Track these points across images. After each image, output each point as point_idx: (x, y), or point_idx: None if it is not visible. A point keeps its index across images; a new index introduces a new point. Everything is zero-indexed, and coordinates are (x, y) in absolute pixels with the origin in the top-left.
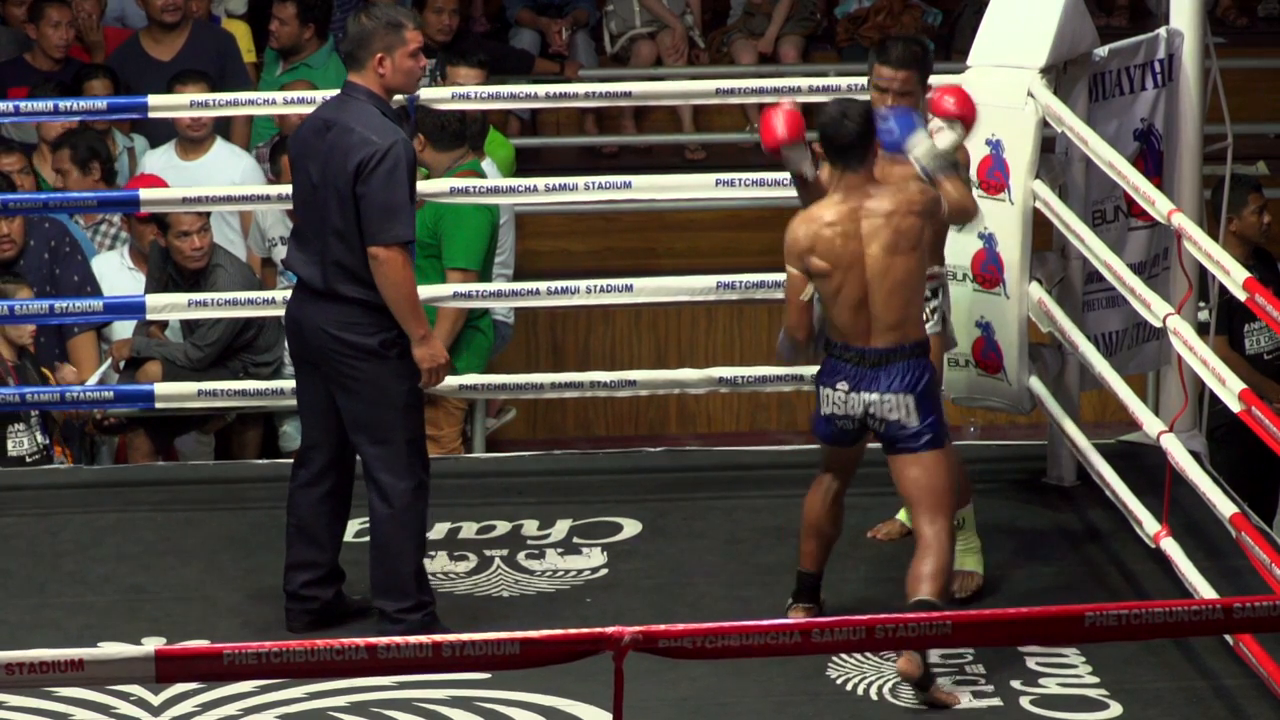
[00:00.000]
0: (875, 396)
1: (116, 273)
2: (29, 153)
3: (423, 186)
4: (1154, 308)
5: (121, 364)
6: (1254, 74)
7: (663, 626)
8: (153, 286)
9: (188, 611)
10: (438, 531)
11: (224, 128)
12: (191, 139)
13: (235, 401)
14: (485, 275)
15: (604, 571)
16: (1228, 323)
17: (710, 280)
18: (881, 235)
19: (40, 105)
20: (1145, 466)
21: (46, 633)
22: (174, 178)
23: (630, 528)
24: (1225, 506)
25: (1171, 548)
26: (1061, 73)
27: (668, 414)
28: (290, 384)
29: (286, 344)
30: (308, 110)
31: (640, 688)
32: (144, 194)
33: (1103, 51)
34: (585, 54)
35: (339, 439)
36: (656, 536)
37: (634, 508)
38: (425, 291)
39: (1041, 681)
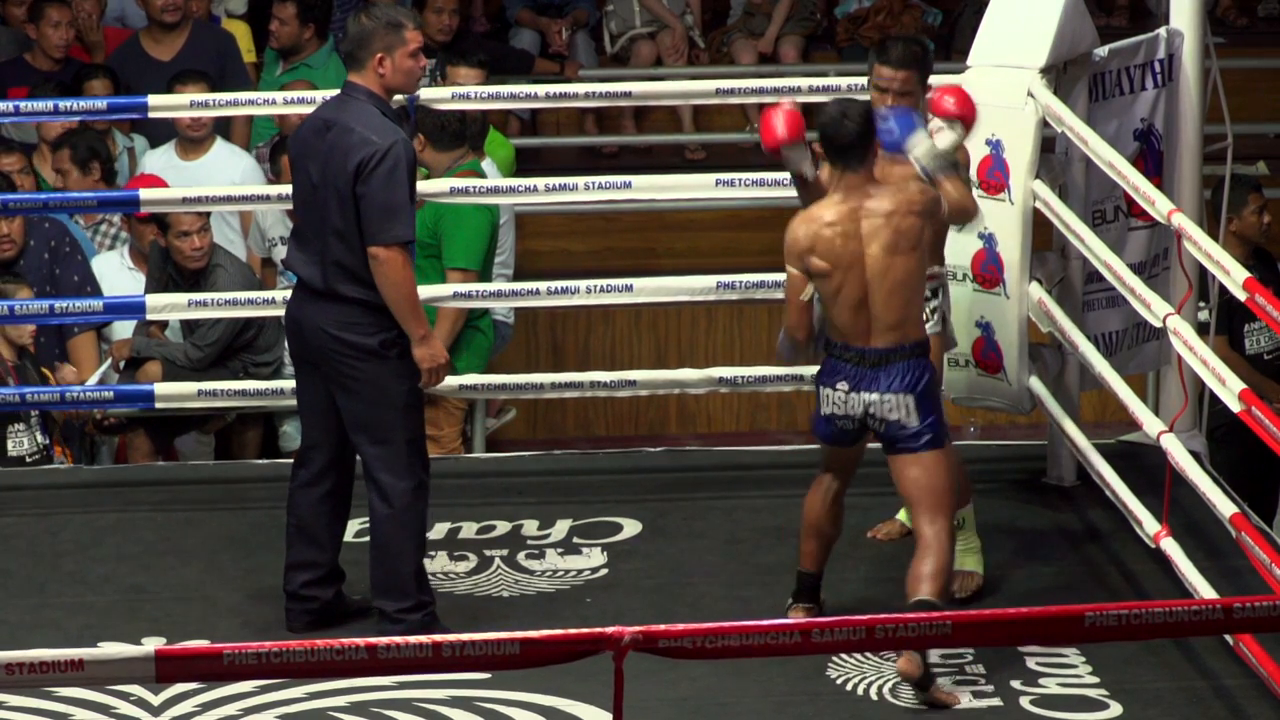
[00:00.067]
0: (875, 396)
1: (116, 273)
2: (29, 153)
3: (423, 186)
4: (1154, 308)
5: (121, 364)
6: (1254, 74)
7: (663, 626)
8: (153, 286)
9: (188, 611)
10: (438, 531)
11: (224, 128)
12: (191, 139)
13: (235, 401)
14: (485, 275)
15: (604, 571)
16: (1228, 323)
17: (710, 280)
18: (881, 235)
19: (40, 105)
20: (1145, 466)
21: (46, 633)
22: (174, 178)
23: (630, 528)
24: (1225, 506)
25: (1171, 548)
26: (1061, 73)
27: (668, 414)
28: (290, 384)
29: (286, 344)
30: (308, 110)
31: (640, 688)
32: (144, 194)
33: (1103, 51)
34: (585, 54)
35: (339, 439)
36: (656, 536)
37: (634, 508)
38: (425, 291)
39: (1041, 681)
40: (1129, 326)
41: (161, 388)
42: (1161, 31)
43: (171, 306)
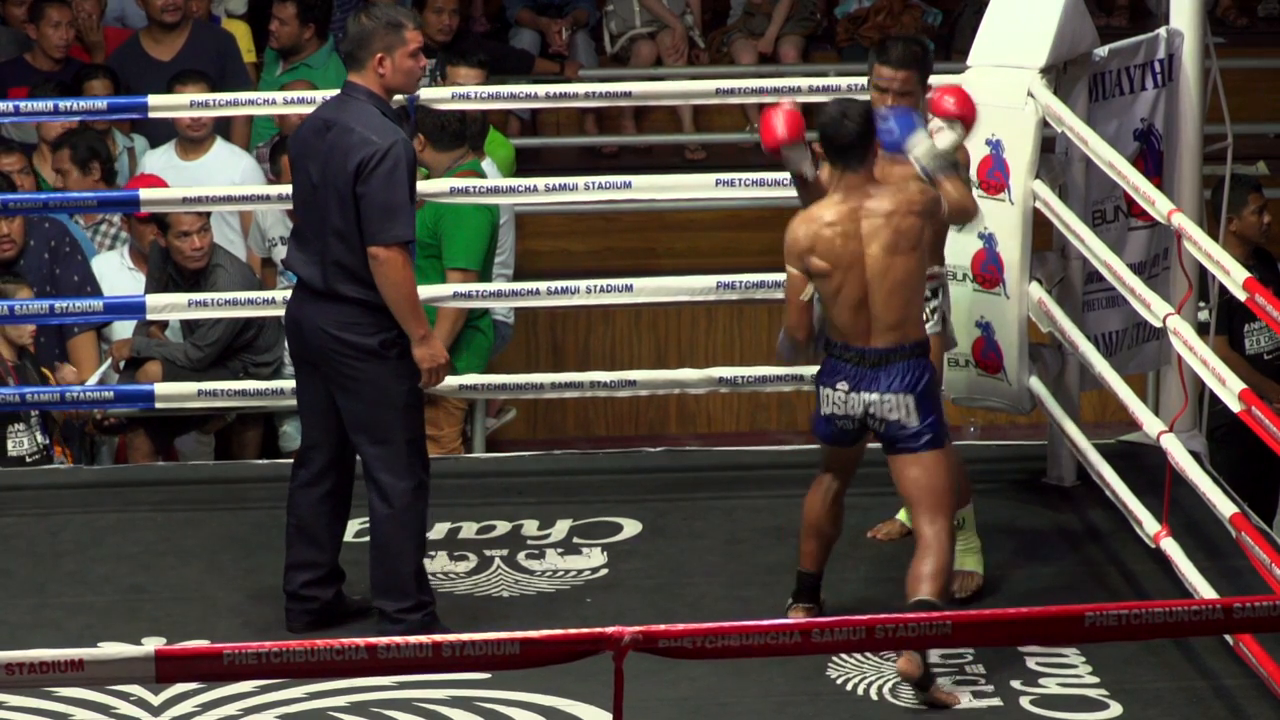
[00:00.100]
0: (875, 396)
1: (116, 273)
2: (29, 153)
3: (423, 186)
4: (1154, 308)
5: (121, 364)
6: (1254, 74)
7: (663, 626)
8: (153, 286)
9: (188, 611)
10: (438, 531)
11: (224, 128)
12: (191, 139)
13: (235, 401)
14: (485, 275)
15: (604, 571)
16: (1228, 323)
17: (710, 280)
18: (881, 235)
19: (40, 105)
20: (1145, 466)
21: (46, 633)
22: (174, 178)
23: (630, 528)
24: (1225, 506)
25: (1171, 548)
26: (1061, 73)
27: (668, 414)
28: (290, 384)
29: (286, 344)
30: (308, 110)
31: (640, 688)
32: (144, 194)
33: (1103, 51)
34: (585, 54)
35: (339, 439)
36: (656, 536)
37: (634, 508)
38: (425, 291)
39: (1041, 681)
40: (1129, 326)
41: (161, 388)
42: (1161, 31)
43: (171, 306)
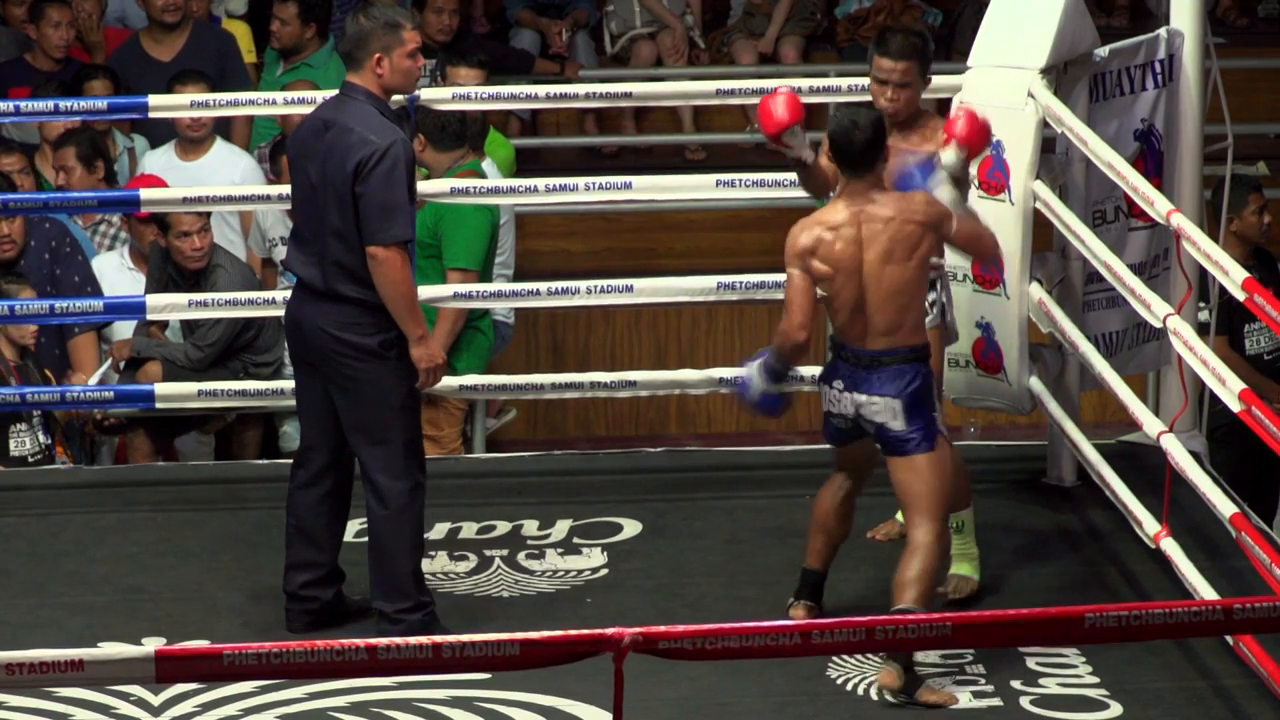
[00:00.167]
0: (864, 398)
1: (116, 273)
2: (30, 153)
3: (423, 186)
4: (1154, 308)
5: (121, 364)
6: (1254, 74)
7: (663, 628)
8: (153, 287)
9: (188, 611)
10: (438, 531)
11: (224, 128)
12: (191, 139)
13: (235, 401)
14: (485, 275)
15: (604, 571)
16: (1228, 323)
17: (710, 281)
18: (879, 242)
19: (40, 105)
20: (1145, 466)
21: (46, 633)
22: (174, 178)
23: (630, 528)
24: (1225, 506)
25: (1171, 548)
26: (1062, 73)
27: (668, 414)
28: (290, 384)
29: (286, 344)
30: (309, 110)
31: (640, 688)
32: (144, 194)
33: (1103, 52)
34: (585, 54)
35: (338, 440)
36: (656, 536)
37: (634, 508)
38: (425, 291)
39: (1041, 681)
40: (1129, 327)
41: (161, 388)
42: (1161, 32)
43: (171, 306)
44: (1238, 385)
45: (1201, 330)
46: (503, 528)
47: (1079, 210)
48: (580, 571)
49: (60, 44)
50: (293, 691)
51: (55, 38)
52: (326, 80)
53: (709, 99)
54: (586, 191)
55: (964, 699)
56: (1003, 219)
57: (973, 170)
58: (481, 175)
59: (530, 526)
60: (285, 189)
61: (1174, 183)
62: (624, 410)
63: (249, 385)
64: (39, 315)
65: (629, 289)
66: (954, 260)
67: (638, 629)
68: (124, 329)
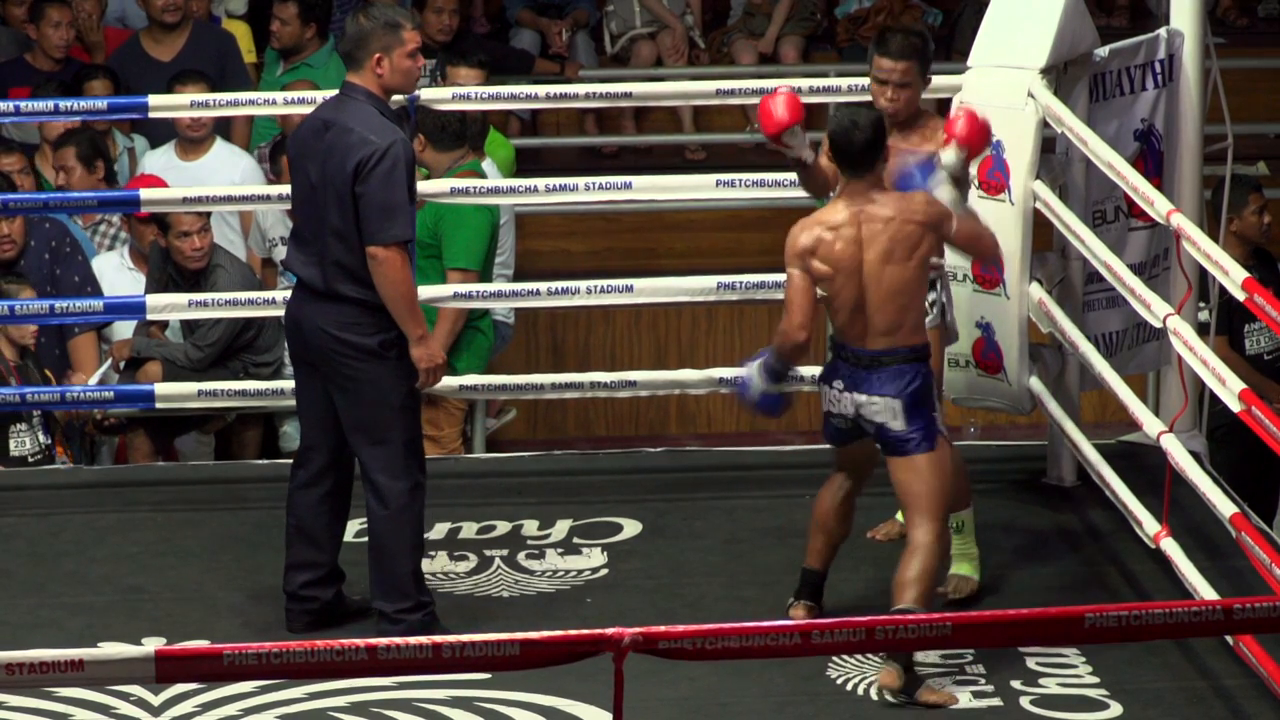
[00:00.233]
0: (864, 398)
1: (116, 273)
2: (31, 153)
3: (423, 186)
4: (1154, 308)
5: (121, 364)
6: (1254, 74)
7: (663, 628)
8: (153, 286)
9: (188, 611)
10: (438, 531)
11: (224, 128)
12: (191, 139)
13: (235, 401)
14: (485, 275)
15: (604, 571)
16: (1228, 323)
17: (710, 280)
18: (879, 242)
19: (40, 105)
20: (1145, 466)
21: (46, 633)
22: (174, 178)
23: (630, 528)
24: (1225, 506)
25: (1171, 548)
26: (1062, 73)
27: (668, 414)
28: (290, 384)
29: (286, 344)
30: (309, 110)
31: (640, 688)
32: (144, 194)
33: (1103, 52)
34: (585, 54)
35: (338, 440)
36: (656, 536)
37: (634, 508)
38: (425, 291)
39: (1041, 681)
40: (1129, 327)
41: (161, 388)
42: (1161, 32)
43: (171, 306)
44: (1238, 385)
45: (1201, 330)
46: (503, 528)
47: (1079, 210)
48: (580, 571)
49: (60, 44)
50: (293, 691)
51: (55, 38)
52: (326, 80)
53: (709, 99)
54: (586, 191)
55: (964, 699)
56: (1003, 219)
57: (973, 170)
58: (481, 175)
59: (530, 526)
60: (285, 189)
61: (1174, 183)
62: (624, 410)
63: (249, 385)
64: (39, 315)
65: (629, 289)
66: (954, 260)
67: (638, 629)
68: (124, 329)
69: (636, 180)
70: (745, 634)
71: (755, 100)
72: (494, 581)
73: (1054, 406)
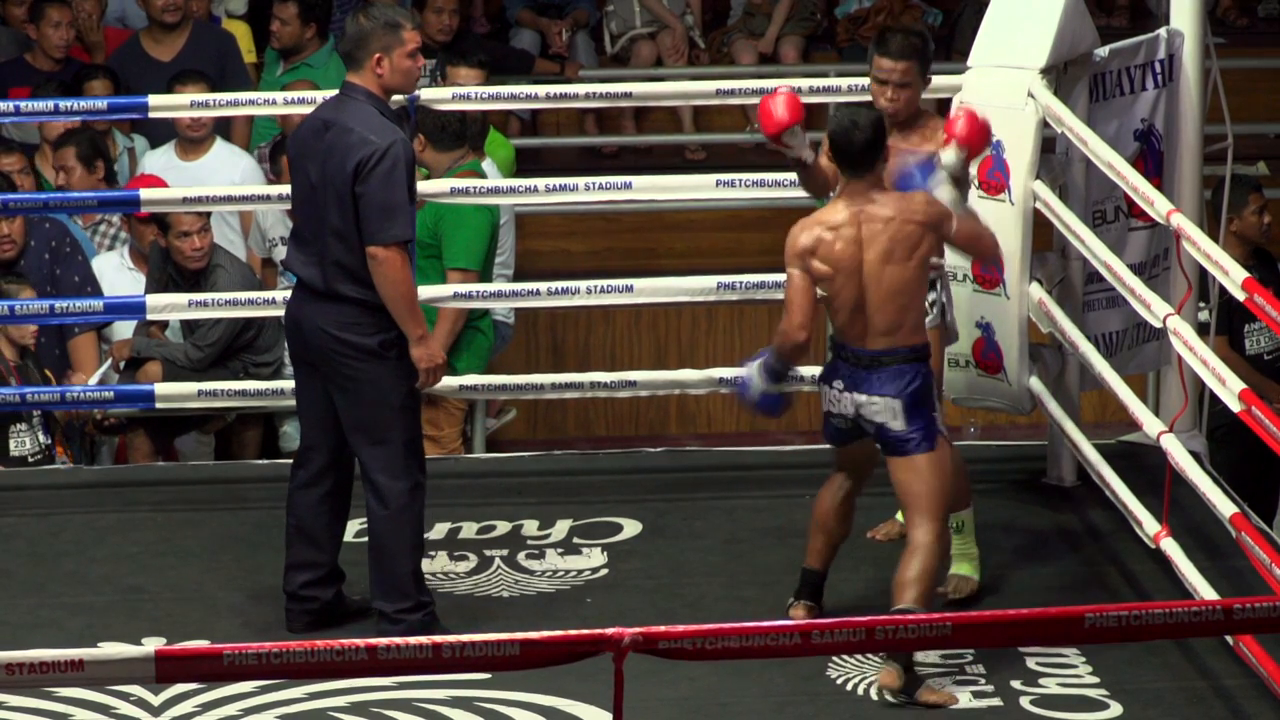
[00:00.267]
0: (864, 398)
1: (116, 273)
2: (31, 153)
3: (423, 186)
4: (1154, 308)
5: (121, 364)
6: (1254, 74)
7: (663, 628)
8: (153, 286)
9: (188, 611)
10: (438, 531)
11: (224, 128)
12: (191, 139)
13: (235, 401)
14: (485, 275)
15: (604, 571)
16: (1228, 323)
17: (710, 281)
18: (879, 242)
19: (40, 105)
20: (1145, 466)
21: (46, 633)
22: (174, 178)
23: (630, 528)
24: (1225, 506)
25: (1171, 548)
26: (1062, 73)
27: (668, 414)
28: (290, 384)
29: (286, 344)
30: (309, 110)
31: (640, 688)
32: (144, 194)
33: (1103, 52)
34: (585, 54)
35: (338, 440)
36: (656, 536)
37: (634, 508)
38: (425, 291)
39: (1041, 681)
40: (1129, 327)
41: (161, 388)
42: (1161, 32)
43: (171, 306)
44: (1238, 385)
45: (1201, 330)
46: (503, 528)
47: (1079, 210)
48: (580, 571)
49: (60, 44)
50: (293, 691)
51: (55, 38)
52: (327, 80)
53: (709, 99)
54: (586, 191)
55: (964, 699)
56: (1003, 219)
57: (973, 170)
58: (481, 175)
59: (530, 526)
60: (285, 189)
61: (1174, 183)
62: (624, 410)
63: (249, 385)
64: (39, 315)
65: (629, 289)
66: (954, 260)
67: (638, 629)
68: (124, 329)
69: (636, 180)
70: (745, 634)
71: (755, 100)
72: (494, 581)
73: (1054, 406)
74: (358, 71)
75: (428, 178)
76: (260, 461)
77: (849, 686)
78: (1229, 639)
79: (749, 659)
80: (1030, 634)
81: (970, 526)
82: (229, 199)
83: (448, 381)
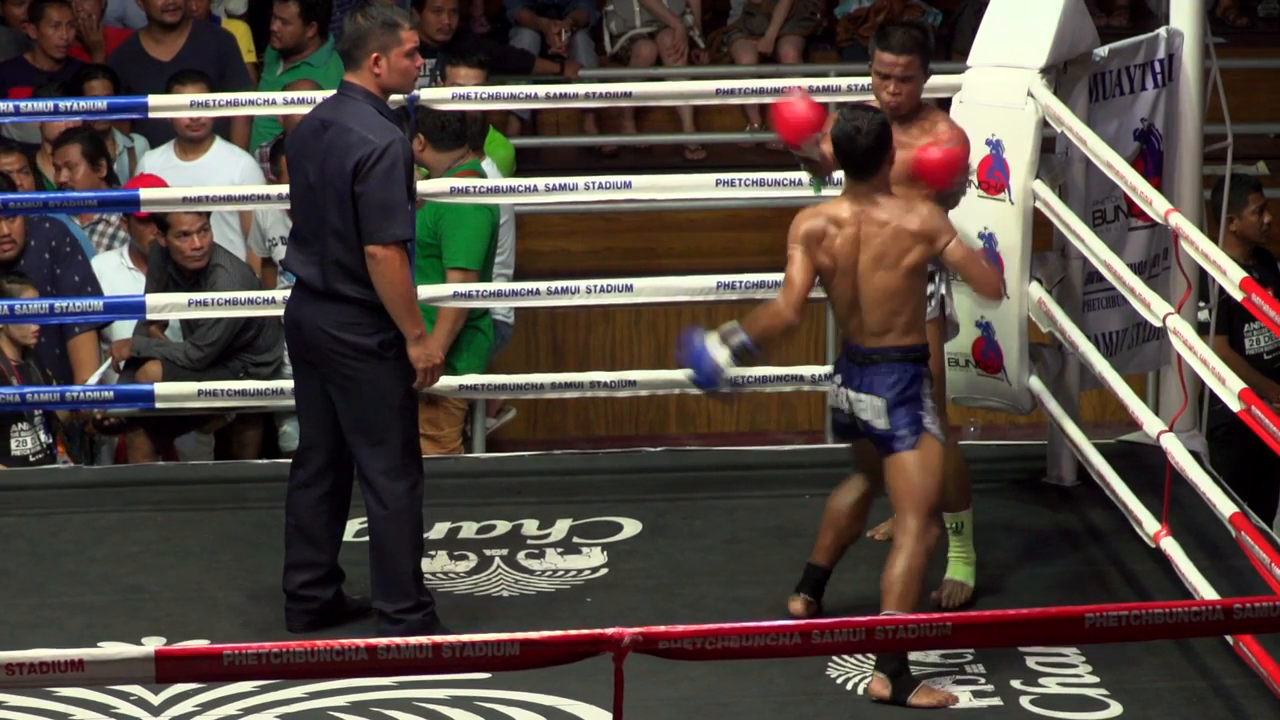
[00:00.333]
0: (855, 394)
1: (116, 273)
2: (31, 153)
3: (423, 186)
4: (1154, 307)
5: (121, 364)
6: (1254, 74)
7: (663, 628)
8: (153, 286)
9: (188, 611)
10: (438, 531)
11: (224, 128)
12: (191, 139)
13: (235, 401)
14: (485, 275)
15: (604, 571)
16: (1228, 323)
17: (710, 280)
18: (873, 245)
19: (40, 105)
20: (1145, 466)
21: (46, 633)
22: (173, 178)
23: (630, 528)
24: (1225, 506)
25: (1171, 548)
26: (1061, 73)
27: (668, 414)
28: (290, 384)
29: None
30: (308, 110)
31: (640, 687)
32: (144, 194)
33: (1103, 51)
34: (585, 54)
35: (337, 439)
36: (656, 536)
37: (634, 508)
38: (425, 291)
39: (1041, 681)
40: (1129, 326)
41: (161, 388)
42: (1161, 31)
43: (171, 306)
44: (1238, 385)
45: (1201, 330)
46: (503, 527)
47: (1079, 210)
48: (580, 571)
49: (60, 44)
50: (293, 691)
51: (55, 38)
52: (327, 79)
53: (709, 99)
54: (586, 191)
55: (964, 699)
56: (1003, 218)
57: (973, 170)
58: (481, 175)
59: (530, 526)
60: (285, 189)
61: (1174, 182)
62: (624, 410)
63: (249, 385)
64: (39, 315)
65: (629, 289)
66: None
67: (638, 629)
68: (124, 329)
69: (636, 180)
70: (745, 634)
71: (755, 100)
72: (494, 581)
73: (1054, 406)
74: (356, 71)
75: (428, 177)
76: (260, 461)
77: (849, 686)
78: (1229, 639)
79: (749, 659)
80: (1030, 634)
81: (969, 528)
82: (229, 199)
83: (448, 381)
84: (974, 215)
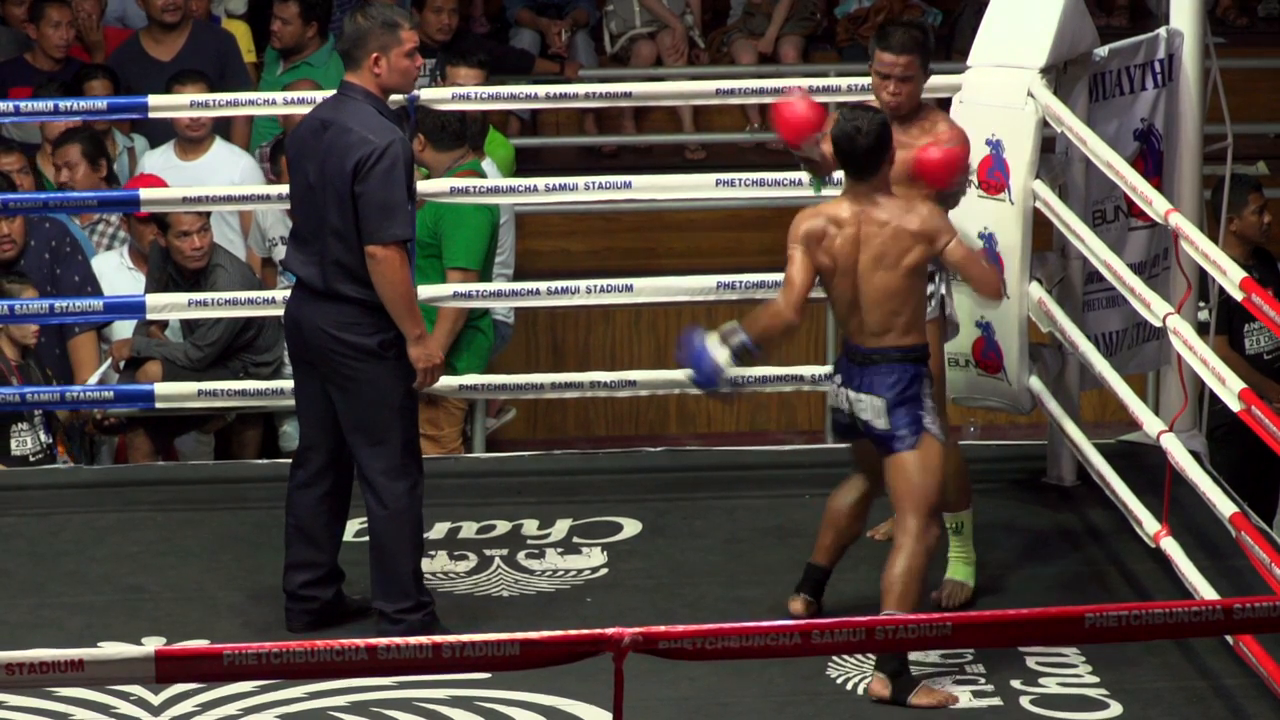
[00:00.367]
0: (855, 394)
1: (116, 273)
2: (31, 153)
3: (423, 186)
4: (1154, 307)
5: (121, 364)
6: (1254, 74)
7: (663, 628)
8: (153, 286)
9: (188, 611)
10: (438, 531)
11: (224, 128)
12: (191, 139)
13: (235, 401)
14: (485, 275)
15: (604, 571)
16: (1228, 323)
17: (710, 280)
18: (873, 245)
19: (40, 105)
20: (1145, 466)
21: (46, 633)
22: (173, 178)
23: (630, 528)
24: (1225, 506)
25: (1171, 548)
26: (1061, 73)
27: (668, 414)
28: (290, 384)
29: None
30: (308, 110)
31: (640, 687)
32: (144, 194)
33: (1103, 51)
34: (585, 54)
35: (337, 439)
36: (656, 536)
37: (634, 508)
38: (425, 291)
39: (1041, 681)
40: (1129, 326)
41: (161, 388)
42: (1161, 31)
43: (171, 306)
44: (1238, 385)
45: (1201, 330)
46: (503, 527)
47: (1079, 210)
48: (580, 571)
49: (60, 44)
50: (293, 691)
51: (55, 38)
52: (327, 79)
53: (709, 99)
54: (586, 191)
55: (964, 699)
56: (1003, 218)
57: (973, 170)
58: (481, 175)
59: (530, 526)
60: (285, 189)
61: (1174, 182)
62: (624, 410)
63: (249, 385)
64: (39, 315)
65: (629, 289)
66: None
67: (638, 629)
68: (124, 329)
69: (636, 180)
70: (745, 634)
71: (755, 100)
72: (494, 581)
73: (1054, 406)
74: (355, 71)
75: (428, 177)
76: (260, 461)
77: (849, 686)
78: (1229, 639)
79: (749, 659)
80: (1030, 634)
81: (969, 529)
82: (229, 199)
83: (448, 381)
84: (974, 215)
